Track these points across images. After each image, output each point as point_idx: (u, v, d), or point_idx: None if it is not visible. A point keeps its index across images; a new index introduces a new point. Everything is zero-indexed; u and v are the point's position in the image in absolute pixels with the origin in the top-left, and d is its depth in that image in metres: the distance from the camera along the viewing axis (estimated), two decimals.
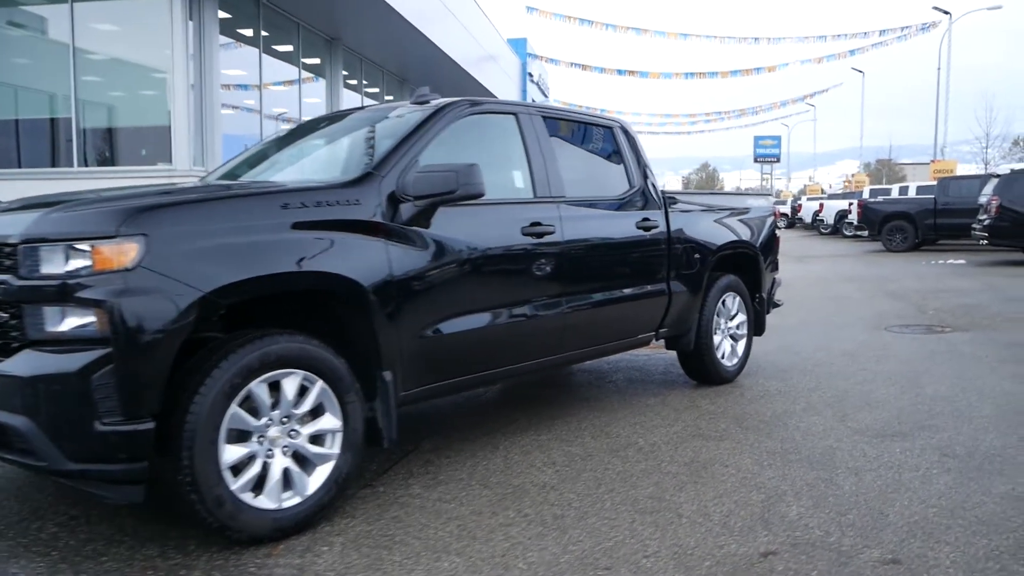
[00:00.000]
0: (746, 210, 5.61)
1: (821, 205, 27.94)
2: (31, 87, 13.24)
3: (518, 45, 32.26)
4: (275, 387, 2.90)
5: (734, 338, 5.43)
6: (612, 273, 4.33)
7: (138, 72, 12.72)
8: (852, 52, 27.05)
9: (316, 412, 3.03)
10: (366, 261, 3.11)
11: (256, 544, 2.84)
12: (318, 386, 2.98)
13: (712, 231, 5.13)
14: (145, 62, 12.57)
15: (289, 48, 16.42)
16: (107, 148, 13.02)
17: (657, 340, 4.89)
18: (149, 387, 2.58)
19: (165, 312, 2.58)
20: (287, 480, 2.95)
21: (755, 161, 64.36)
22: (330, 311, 3.20)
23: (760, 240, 5.63)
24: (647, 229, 4.55)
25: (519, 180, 4.02)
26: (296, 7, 15.34)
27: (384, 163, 3.33)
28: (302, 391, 2.97)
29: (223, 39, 14.69)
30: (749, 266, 5.59)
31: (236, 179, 4.02)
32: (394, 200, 3.27)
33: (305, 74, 17.34)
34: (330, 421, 3.04)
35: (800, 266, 15.22)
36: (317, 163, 4.04)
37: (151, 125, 12.82)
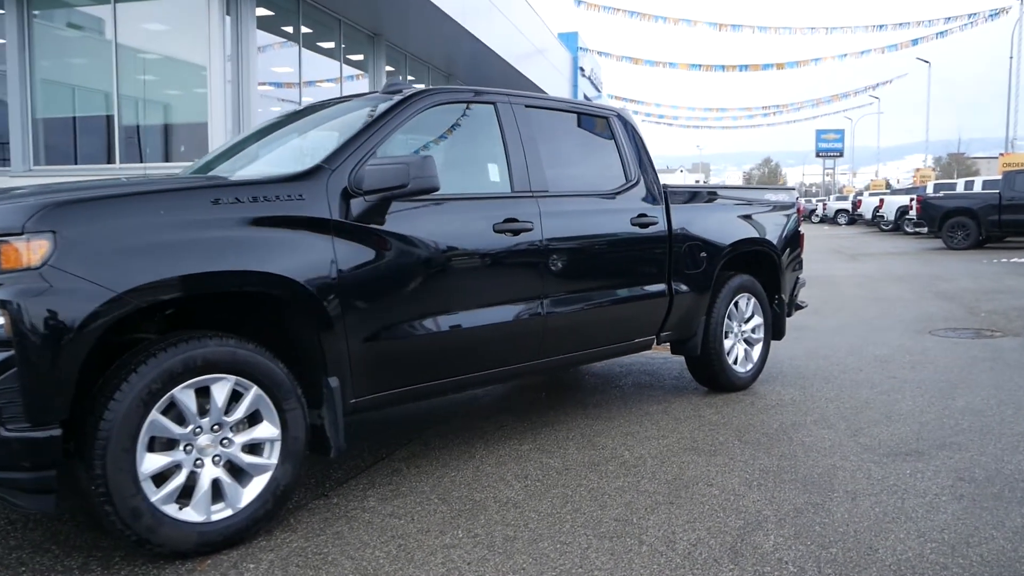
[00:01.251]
0: (763, 205, 5.23)
1: (881, 201, 26.78)
2: (80, 85, 13.56)
3: (569, 39, 31.85)
4: (205, 393, 2.73)
5: (748, 342, 5.07)
6: (601, 273, 4.03)
7: (177, 69, 12.87)
8: (915, 42, 25.73)
9: (253, 419, 2.86)
10: (308, 260, 2.90)
11: (181, 559, 2.67)
12: (252, 392, 2.79)
13: (722, 228, 4.78)
14: (184, 59, 12.71)
15: (331, 44, 16.47)
16: (148, 144, 13.23)
17: (659, 344, 4.57)
18: (55, 392, 2.42)
19: (73, 313, 2.42)
20: (219, 491, 2.77)
21: (817, 156, 62.35)
22: (274, 313, 3.01)
23: (779, 237, 5.24)
24: (644, 226, 4.24)
25: (495, 173, 3.77)
26: (336, 3, 15.35)
27: (335, 156, 3.11)
28: (236, 397, 2.79)
29: (273, 38, 14.83)
30: (766, 265, 5.21)
31: (208, 172, 3.87)
32: (347, 195, 3.07)
33: (351, 70, 17.38)
34: (267, 429, 2.86)
35: (851, 265, 14.54)
36: (288, 155, 3.85)
37: (190, 122, 12.99)
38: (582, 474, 3.46)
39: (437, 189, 3.08)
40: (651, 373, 5.61)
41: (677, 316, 4.49)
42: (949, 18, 24.04)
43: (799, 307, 5.68)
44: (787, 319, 5.64)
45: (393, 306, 3.16)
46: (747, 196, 5.23)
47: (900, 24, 24.54)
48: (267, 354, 2.82)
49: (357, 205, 3.06)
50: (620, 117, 4.44)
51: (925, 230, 18.75)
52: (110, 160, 12.72)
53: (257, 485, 2.84)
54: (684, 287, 4.48)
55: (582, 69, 33.02)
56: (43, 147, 13.24)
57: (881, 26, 24.87)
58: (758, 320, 5.10)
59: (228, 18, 12.30)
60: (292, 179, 3.00)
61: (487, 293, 3.48)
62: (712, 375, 4.83)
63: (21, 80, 12.62)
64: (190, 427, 2.69)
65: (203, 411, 2.73)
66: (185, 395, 2.66)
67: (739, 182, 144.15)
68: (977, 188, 20.16)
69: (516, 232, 3.57)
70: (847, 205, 37.21)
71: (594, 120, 4.33)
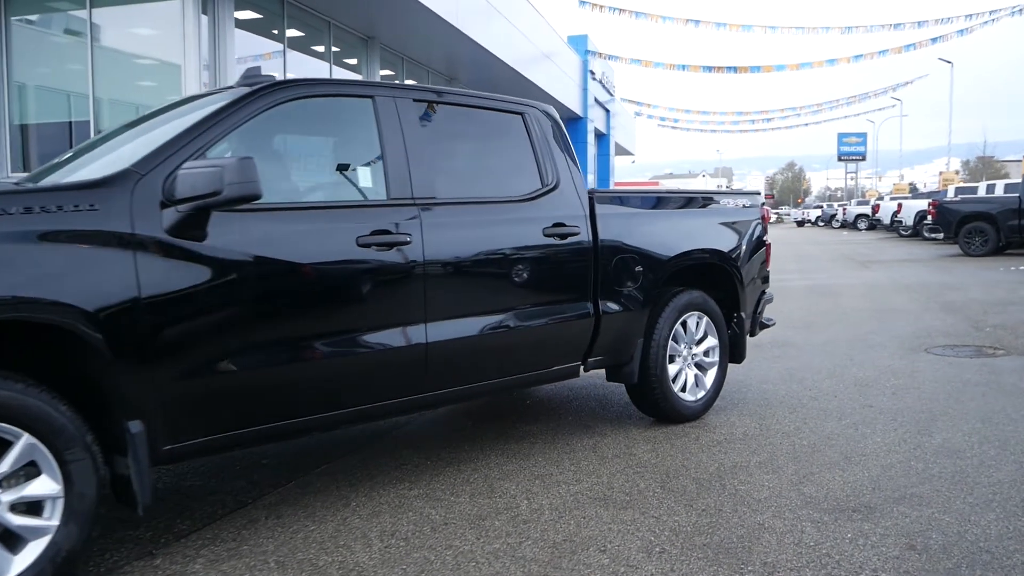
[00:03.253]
0: (719, 212, 4.66)
1: (899, 205, 25.86)
2: (58, 89, 13.28)
3: (578, 42, 31.30)
4: None
5: (700, 367, 4.49)
6: (504, 292, 3.49)
7: (154, 72, 12.54)
8: (934, 40, 24.81)
9: (30, 472, 2.37)
10: (97, 282, 2.40)
11: None
12: (22, 441, 2.30)
13: (664, 237, 4.21)
14: (161, 60, 12.37)
15: (322, 48, 16.09)
16: None
17: (587, 371, 4.02)
18: None
19: None
20: None
21: (839, 160, 61.19)
22: (68, 347, 2.52)
23: (739, 248, 4.66)
24: (562, 236, 3.70)
25: (368, 178, 3.26)
26: (324, 5, 14.95)
27: (148, 160, 2.62)
28: (5, 447, 2.31)
29: (260, 40, 14.48)
30: (722, 280, 4.64)
31: (46, 176, 3.39)
32: (164, 205, 2.58)
33: (344, 74, 17.01)
34: (45, 485, 2.36)
35: (859, 272, 13.83)
36: (124, 158, 3.35)
37: None
38: (460, 532, 2.93)
39: (258, 197, 2.57)
40: (601, 399, 5.05)
41: (607, 339, 3.94)
42: (970, 15, 23.19)
43: (765, 325, 5.09)
44: (756, 335, 5.09)
45: (219, 336, 2.66)
46: (699, 201, 4.66)
47: (919, 23, 23.74)
48: (42, 395, 2.33)
49: (169, 217, 2.57)
50: (540, 112, 3.89)
51: (941, 236, 17.94)
52: None
53: (32, 551, 2.35)
54: (615, 306, 3.93)
55: (592, 72, 32.45)
56: (32, 153, 12.98)
57: (898, 25, 24.04)
58: (712, 342, 4.53)
59: (204, 18, 11.93)
60: (86, 187, 2.51)
61: (345, 318, 2.96)
62: (654, 404, 4.26)
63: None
64: None
65: None
66: None
67: (762, 187, 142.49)
68: (999, 192, 19.29)
69: (388, 246, 3.05)
70: (868, 210, 36.23)
71: (505, 116, 3.78)
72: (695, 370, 4.46)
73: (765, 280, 5.03)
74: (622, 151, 47.76)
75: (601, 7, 23.74)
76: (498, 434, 4.27)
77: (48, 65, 13.11)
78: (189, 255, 2.59)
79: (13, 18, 12.43)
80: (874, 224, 33.18)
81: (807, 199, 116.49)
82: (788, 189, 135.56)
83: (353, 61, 17.64)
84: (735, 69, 28.35)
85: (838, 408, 4.65)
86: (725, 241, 4.59)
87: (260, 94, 2.95)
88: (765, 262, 4.99)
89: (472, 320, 3.35)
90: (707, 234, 4.48)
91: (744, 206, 4.84)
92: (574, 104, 30.80)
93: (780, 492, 3.26)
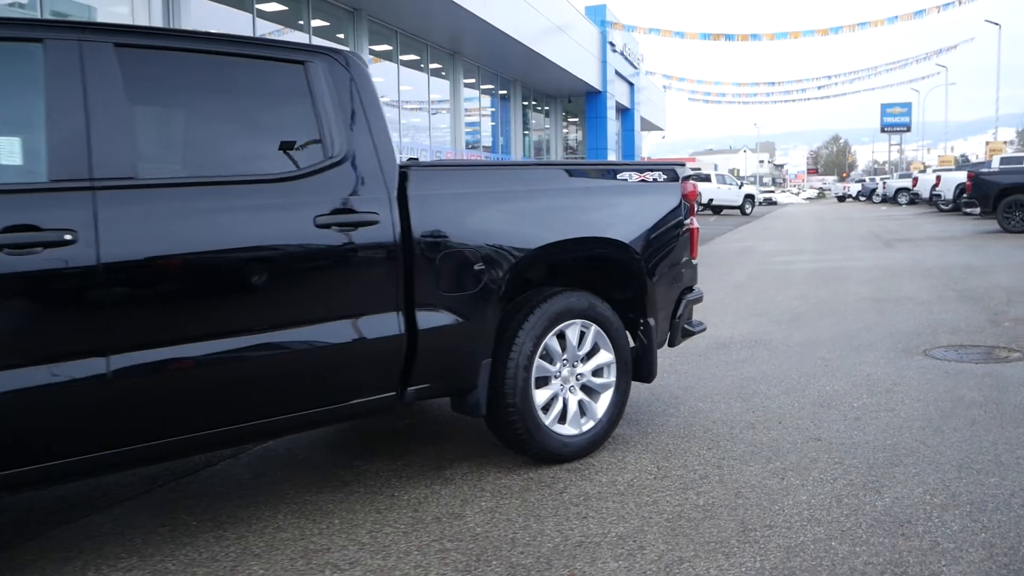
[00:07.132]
0: (613, 190, 3.61)
1: (938, 178, 24.07)
2: None
3: (595, 13, 29.93)
4: None
5: (589, 390, 3.49)
6: (247, 306, 2.52)
7: None
8: None
9: None
10: None
11: None
12: None
13: (521, 225, 3.19)
14: None
15: (302, 21, 15.21)
16: None
17: (407, 402, 3.04)
18: None
19: None
20: None
21: (881, 131, 58.36)
22: None
23: (646, 236, 3.62)
24: (350, 226, 2.71)
25: (14, 154, 2.32)
26: None
27: None
28: None
29: (246, 17, 13.69)
30: (624, 278, 3.62)
31: None
32: None
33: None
34: None
35: (879, 253, 12.52)
36: None
37: None
38: None
39: None
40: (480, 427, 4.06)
41: (432, 361, 2.96)
42: None
43: (690, 332, 4.04)
44: (679, 344, 4.06)
45: None
46: (586, 175, 3.62)
47: None
48: None
49: None
50: (329, 61, 2.88)
51: (978, 210, 16.38)
52: None
53: None
54: (441, 318, 2.94)
55: (612, 44, 31.07)
56: None
57: None
58: (606, 357, 3.51)
59: None
60: None
61: None
62: (517, 441, 3.27)
63: None
64: None
65: None
66: None
67: (804, 162, 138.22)
68: None
69: (30, 247, 2.11)
70: (909, 183, 34.28)
71: (274, 67, 2.76)
72: (581, 395, 3.46)
73: (688, 276, 3.97)
74: (650, 126, 46.17)
75: None
76: (321, 476, 3.33)
77: None
78: None
79: None
80: (914, 198, 31.33)
81: (852, 173, 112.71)
82: (833, 163, 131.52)
83: (341, 36, 16.73)
84: (759, 36, 26.76)
85: (774, 442, 3.60)
86: (623, 228, 3.54)
87: None
88: (687, 252, 3.93)
89: (194, 346, 2.39)
90: (593, 219, 3.44)
91: (655, 181, 3.78)
92: (593, 78, 29.49)
93: None
